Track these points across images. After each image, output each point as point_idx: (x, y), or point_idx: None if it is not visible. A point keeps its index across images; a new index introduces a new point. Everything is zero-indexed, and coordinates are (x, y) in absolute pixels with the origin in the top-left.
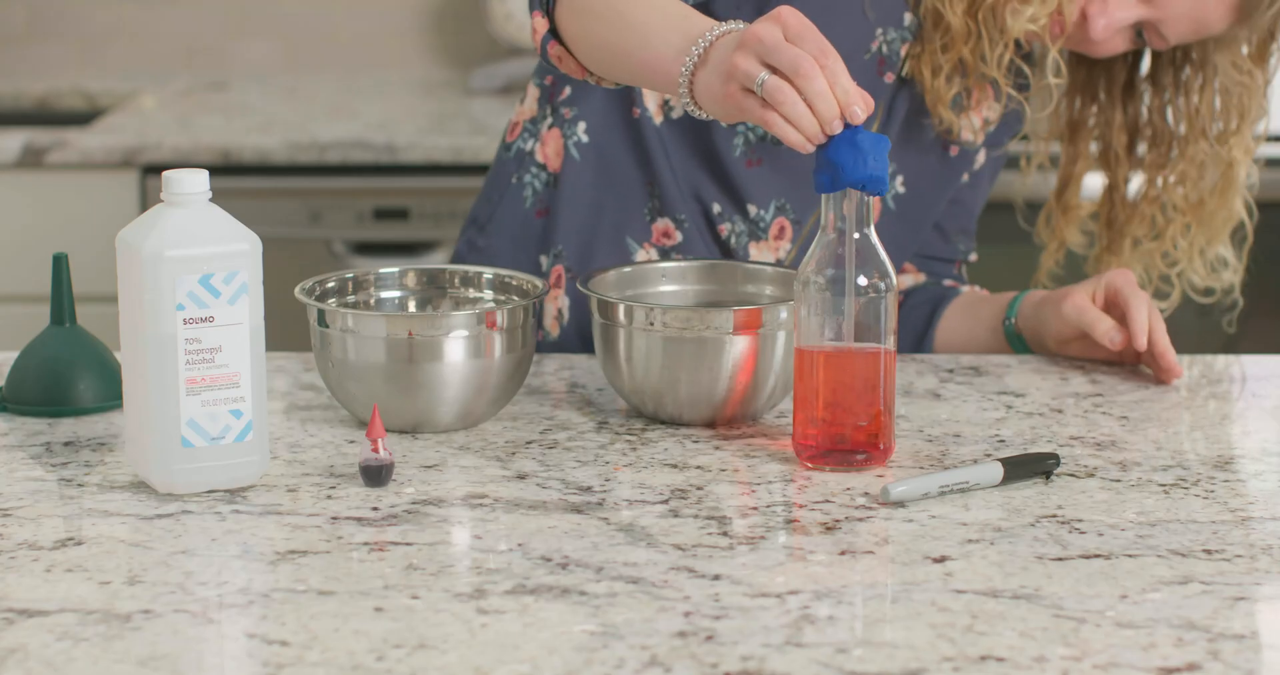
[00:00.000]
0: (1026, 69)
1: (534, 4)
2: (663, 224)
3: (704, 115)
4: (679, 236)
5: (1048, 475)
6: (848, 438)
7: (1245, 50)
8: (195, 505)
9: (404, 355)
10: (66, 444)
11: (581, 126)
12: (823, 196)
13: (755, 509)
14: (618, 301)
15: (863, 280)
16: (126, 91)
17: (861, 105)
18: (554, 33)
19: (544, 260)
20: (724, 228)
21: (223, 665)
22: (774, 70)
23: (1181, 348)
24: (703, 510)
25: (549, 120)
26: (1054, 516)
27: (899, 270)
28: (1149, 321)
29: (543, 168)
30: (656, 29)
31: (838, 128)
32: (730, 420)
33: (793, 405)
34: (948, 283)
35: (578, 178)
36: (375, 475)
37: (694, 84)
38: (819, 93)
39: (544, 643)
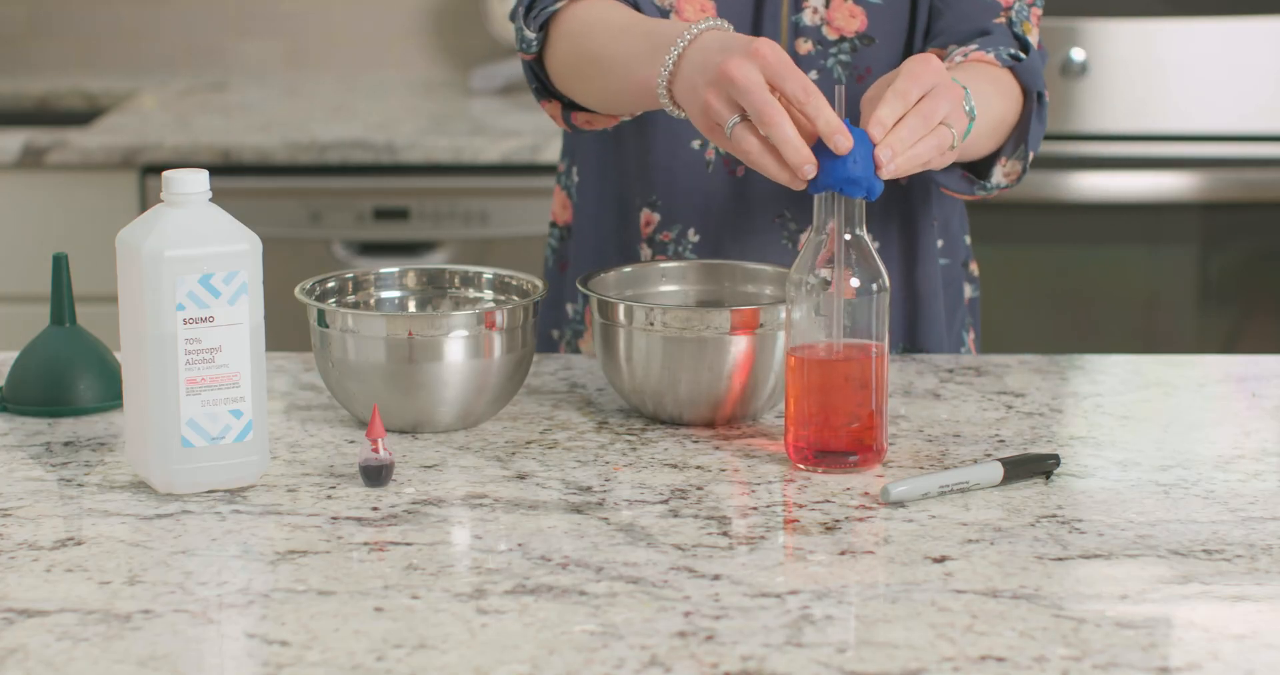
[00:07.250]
0: None
1: (537, 95)
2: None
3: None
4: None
5: (1048, 475)
6: (840, 439)
7: None
8: (195, 505)
9: (404, 355)
10: (66, 444)
11: (575, 170)
12: (814, 198)
13: (755, 509)
14: (618, 301)
15: (854, 281)
16: (126, 91)
17: (845, 136)
18: (569, 106)
19: (570, 308)
20: None
21: (223, 665)
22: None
23: (1182, 348)
24: (702, 510)
25: (558, 186)
26: (1054, 516)
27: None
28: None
29: (554, 225)
30: (627, 59)
31: (809, 173)
32: (730, 420)
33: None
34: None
35: (584, 218)
36: (375, 475)
37: (674, 96)
38: (784, 140)
39: (544, 643)
